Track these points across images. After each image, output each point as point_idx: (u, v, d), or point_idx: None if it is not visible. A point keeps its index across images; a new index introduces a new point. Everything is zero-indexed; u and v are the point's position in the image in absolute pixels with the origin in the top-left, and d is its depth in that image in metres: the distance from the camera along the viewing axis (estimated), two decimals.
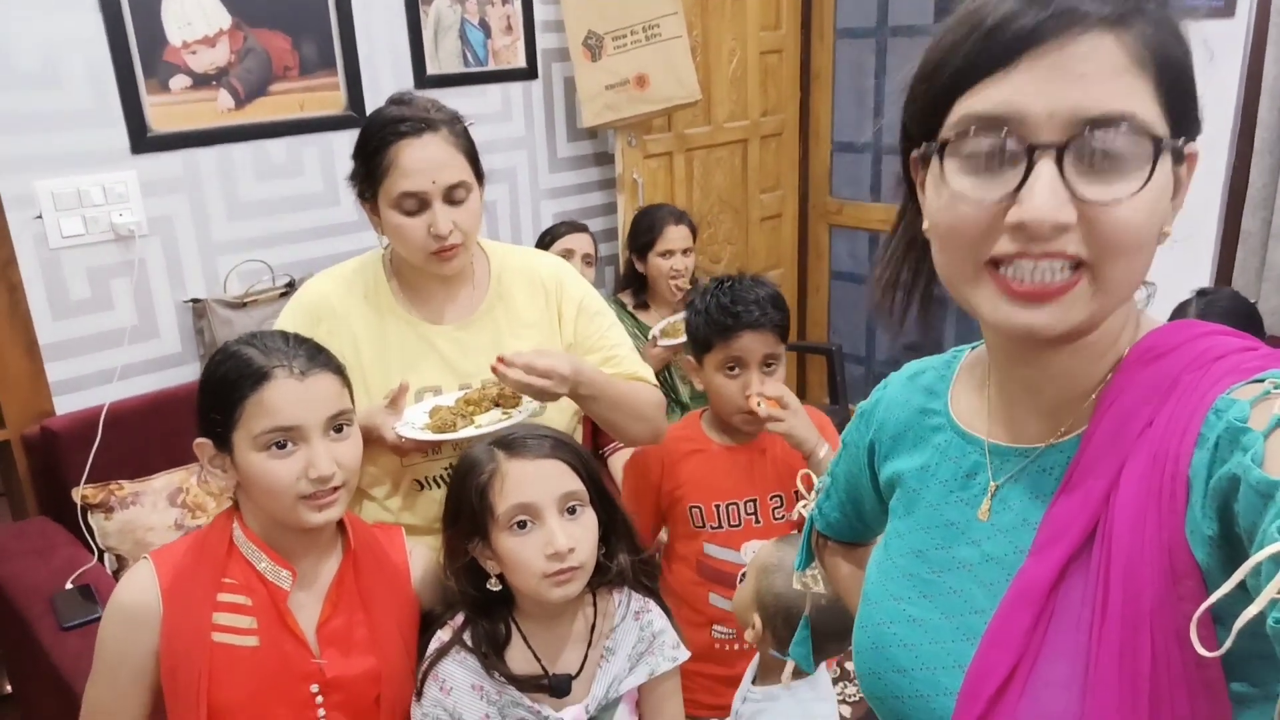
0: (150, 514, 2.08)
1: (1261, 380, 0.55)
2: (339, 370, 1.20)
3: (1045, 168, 0.57)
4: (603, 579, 1.26)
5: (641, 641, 1.26)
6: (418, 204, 1.38)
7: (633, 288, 2.80)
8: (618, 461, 2.49)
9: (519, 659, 1.22)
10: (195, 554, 1.17)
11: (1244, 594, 0.47)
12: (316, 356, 1.17)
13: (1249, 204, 2.60)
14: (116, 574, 2.04)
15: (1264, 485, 0.48)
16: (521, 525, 1.16)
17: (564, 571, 1.15)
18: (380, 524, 1.38)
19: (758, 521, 1.65)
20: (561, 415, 1.52)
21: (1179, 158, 0.60)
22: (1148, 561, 0.57)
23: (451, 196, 1.40)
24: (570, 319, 1.55)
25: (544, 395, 1.38)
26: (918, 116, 0.65)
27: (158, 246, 2.32)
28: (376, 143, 1.39)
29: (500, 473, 1.17)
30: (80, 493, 2.06)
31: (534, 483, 1.17)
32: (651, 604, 1.30)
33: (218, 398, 1.14)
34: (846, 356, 3.78)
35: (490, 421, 1.38)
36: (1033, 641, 0.62)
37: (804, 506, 1.06)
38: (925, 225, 0.66)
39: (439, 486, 1.47)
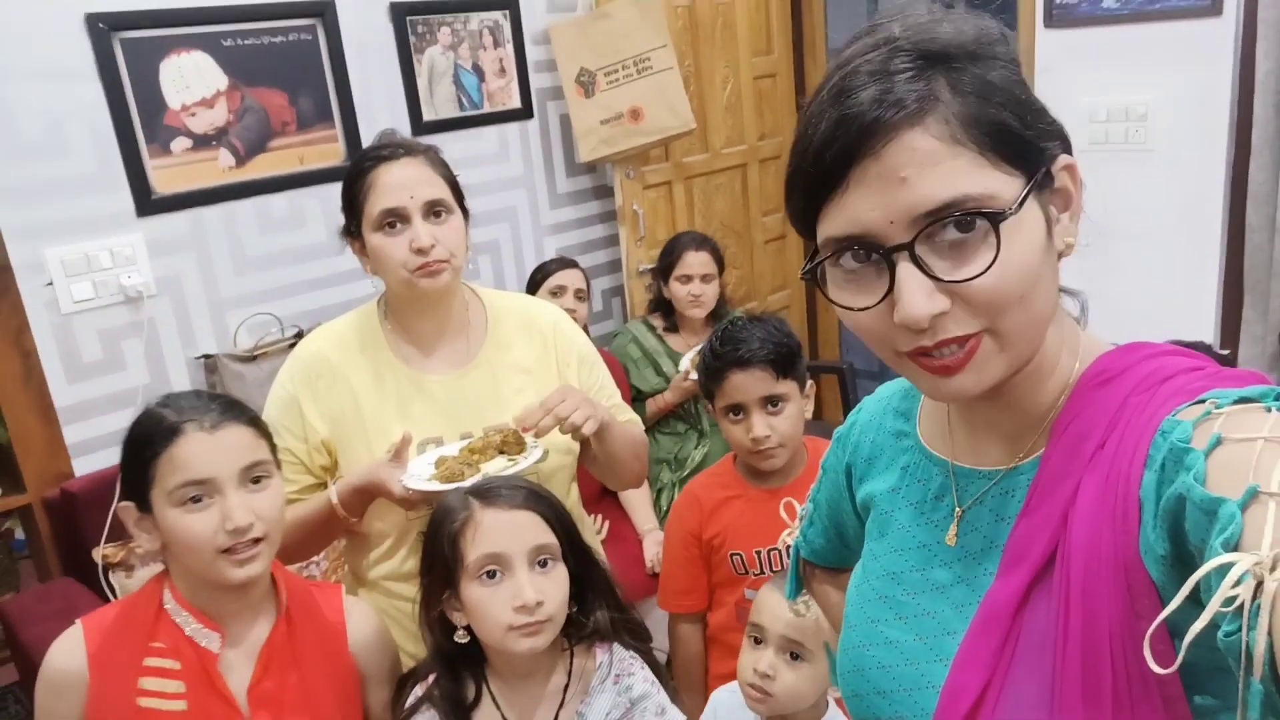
0: None
1: (1204, 401, 0.56)
2: (254, 422, 1.19)
3: (904, 269, 0.60)
4: (579, 635, 1.23)
5: (617, 708, 1.21)
6: (398, 220, 1.39)
7: (661, 311, 2.82)
8: (631, 496, 2.49)
9: (487, 719, 1.20)
10: (124, 619, 1.16)
11: (1198, 610, 0.48)
12: (229, 410, 1.17)
13: (1251, 200, 2.58)
14: None
15: (1207, 503, 0.50)
16: (490, 575, 1.15)
17: (531, 625, 1.14)
18: (318, 582, 1.37)
19: None
20: (562, 459, 1.51)
21: (1045, 184, 0.63)
22: (1105, 581, 0.58)
23: (431, 213, 1.41)
24: (572, 367, 1.56)
25: (586, 427, 1.38)
26: (797, 226, 0.68)
27: (167, 305, 2.37)
28: (355, 173, 1.43)
29: (473, 521, 1.17)
30: (100, 552, 2.08)
31: (506, 533, 1.16)
32: (638, 666, 1.25)
33: (134, 458, 1.14)
34: (859, 373, 3.77)
35: (497, 469, 1.37)
36: (1001, 662, 0.64)
37: (789, 535, 1.06)
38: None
39: None
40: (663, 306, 2.79)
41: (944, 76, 0.60)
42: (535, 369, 1.53)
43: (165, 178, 2.32)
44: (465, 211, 1.48)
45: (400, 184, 1.39)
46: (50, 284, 2.18)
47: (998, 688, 0.64)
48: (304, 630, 1.21)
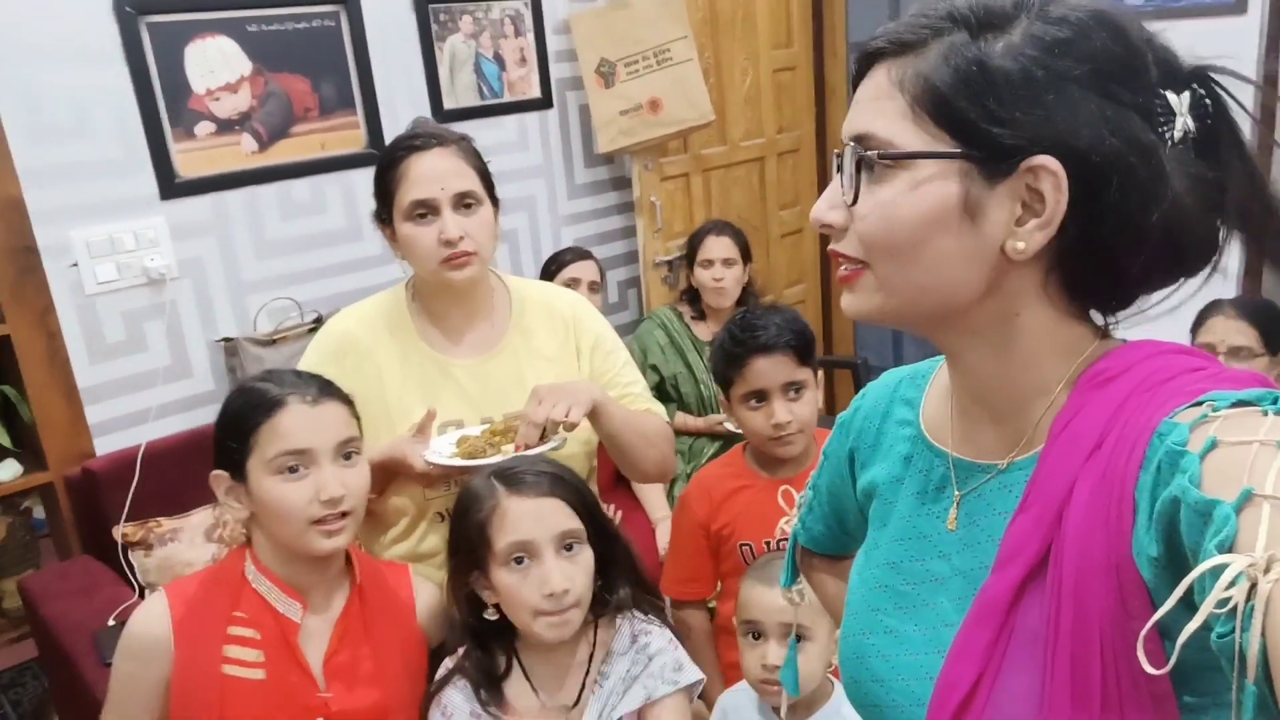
0: (188, 550, 2.13)
1: (1202, 403, 0.56)
2: (348, 402, 1.24)
3: (834, 179, 0.67)
4: (603, 610, 1.26)
5: (636, 665, 1.24)
6: (428, 212, 1.42)
7: (689, 298, 2.83)
8: (645, 487, 2.51)
9: (517, 690, 1.23)
10: (209, 587, 1.21)
11: (1189, 611, 0.48)
12: (327, 387, 1.23)
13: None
14: None
15: (1202, 505, 0.50)
16: (519, 561, 1.18)
17: (559, 613, 1.17)
18: (387, 561, 1.41)
19: None
20: (582, 448, 1.53)
21: (996, 173, 0.61)
22: (1097, 580, 0.59)
23: (461, 204, 1.43)
24: (587, 354, 1.57)
25: (571, 415, 1.38)
26: None
27: (188, 288, 2.39)
28: (388, 161, 1.45)
29: (500, 509, 1.19)
30: (120, 531, 2.11)
31: (532, 520, 1.18)
32: (654, 627, 1.28)
33: (234, 428, 1.19)
34: (873, 369, 3.77)
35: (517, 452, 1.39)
36: (994, 656, 0.65)
37: (787, 523, 1.07)
38: None
39: None
40: (691, 295, 2.80)
41: (949, 35, 0.63)
42: (557, 356, 1.55)
43: (189, 161, 2.34)
44: (495, 201, 1.50)
45: (431, 175, 1.41)
46: (75, 265, 2.20)
47: (990, 681, 0.65)
48: (376, 604, 1.25)
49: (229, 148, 2.40)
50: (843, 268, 0.68)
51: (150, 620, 1.19)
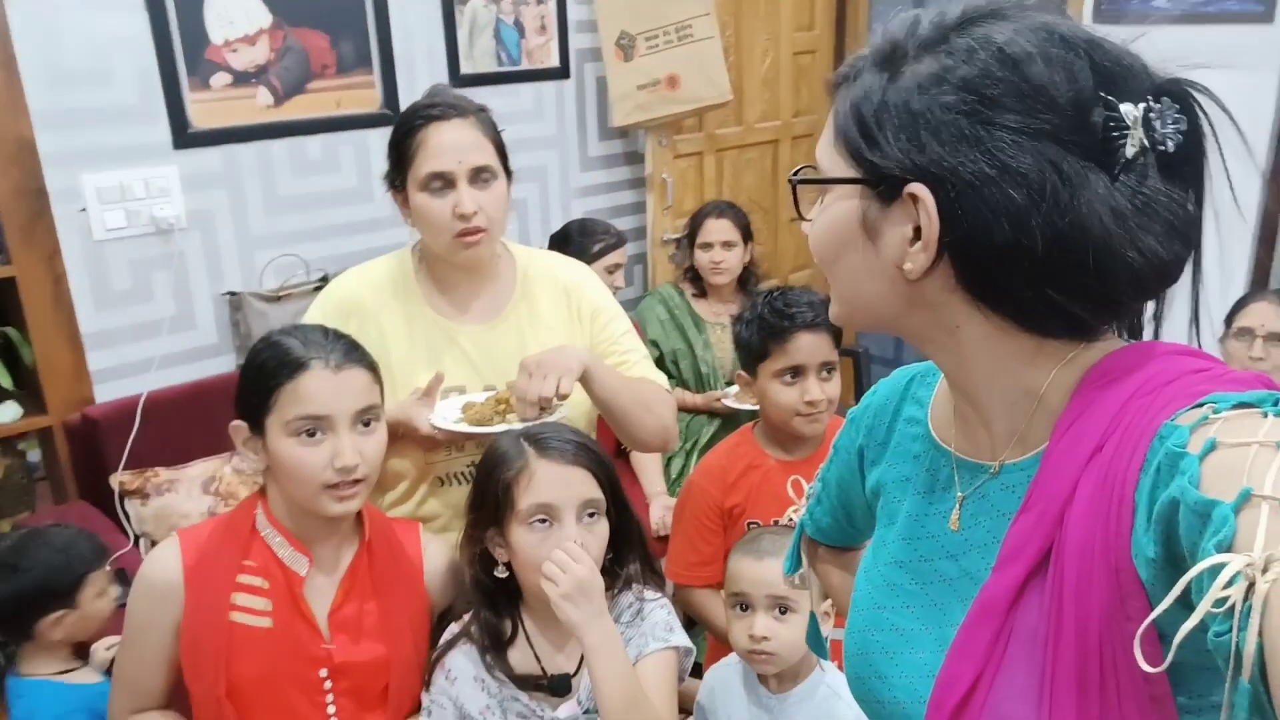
0: (185, 501, 2.13)
1: (1203, 405, 0.56)
2: (372, 367, 1.24)
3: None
4: (611, 582, 1.26)
5: (631, 628, 1.26)
6: (444, 184, 1.42)
7: (690, 276, 2.84)
8: (643, 458, 2.51)
9: (521, 656, 1.24)
10: (220, 535, 1.22)
11: (1187, 611, 0.49)
12: (352, 352, 1.22)
13: None
14: None
15: (1200, 505, 0.50)
16: (542, 522, 1.19)
17: None
18: (399, 519, 1.42)
19: None
20: (580, 413, 1.53)
21: (886, 197, 0.65)
22: (1097, 581, 0.59)
23: (477, 179, 1.43)
24: (588, 322, 1.58)
25: (562, 386, 1.37)
26: None
27: (197, 240, 2.38)
28: (406, 128, 1.44)
29: (529, 470, 1.20)
30: (118, 479, 2.12)
31: (559, 485, 1.20)
32: (655, 598, 1.30)
33: (256, 383, 1.19)
34: (874, 359, 3.77)
35: (520, 422, 1.39)
36: (993, 655, 0.65)
37: (795, 512, 1.07)
38: None
39: (460, 483, 1.50)
40: (694, 273, 2.81)
41: (866, 71, 0.67)
42: (559, 326, 1.56)
43: (203, 112, 2.32)
44: (509, 174, 1.49)
45: (449, 147, 1.41)
46: (84, 210, 2.19)
47: (989, 680, 0.65)
48: (384, 560, 1.26)
49: (244, 100, 2.39)
50: None
51: (163, 565, 1.20)
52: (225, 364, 2.45)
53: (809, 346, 1.58)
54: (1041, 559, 0.64)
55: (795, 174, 0.72)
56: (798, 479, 1.64)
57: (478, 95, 1.57)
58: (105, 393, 2.28)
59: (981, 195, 0.61)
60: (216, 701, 1.16)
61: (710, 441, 2.62)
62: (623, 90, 2.95)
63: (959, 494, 0.74)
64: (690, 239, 2.78)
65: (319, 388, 1.16)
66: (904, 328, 0.71)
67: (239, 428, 1.21)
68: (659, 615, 1.27)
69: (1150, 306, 0.69)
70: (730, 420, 2.61)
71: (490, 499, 1.22)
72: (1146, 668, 0.52)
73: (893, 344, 4.18)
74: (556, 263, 1.65)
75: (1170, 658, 0.51)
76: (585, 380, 1.42)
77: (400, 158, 1.45)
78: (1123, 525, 0.58)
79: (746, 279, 2.79)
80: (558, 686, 1.22)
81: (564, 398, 1.38)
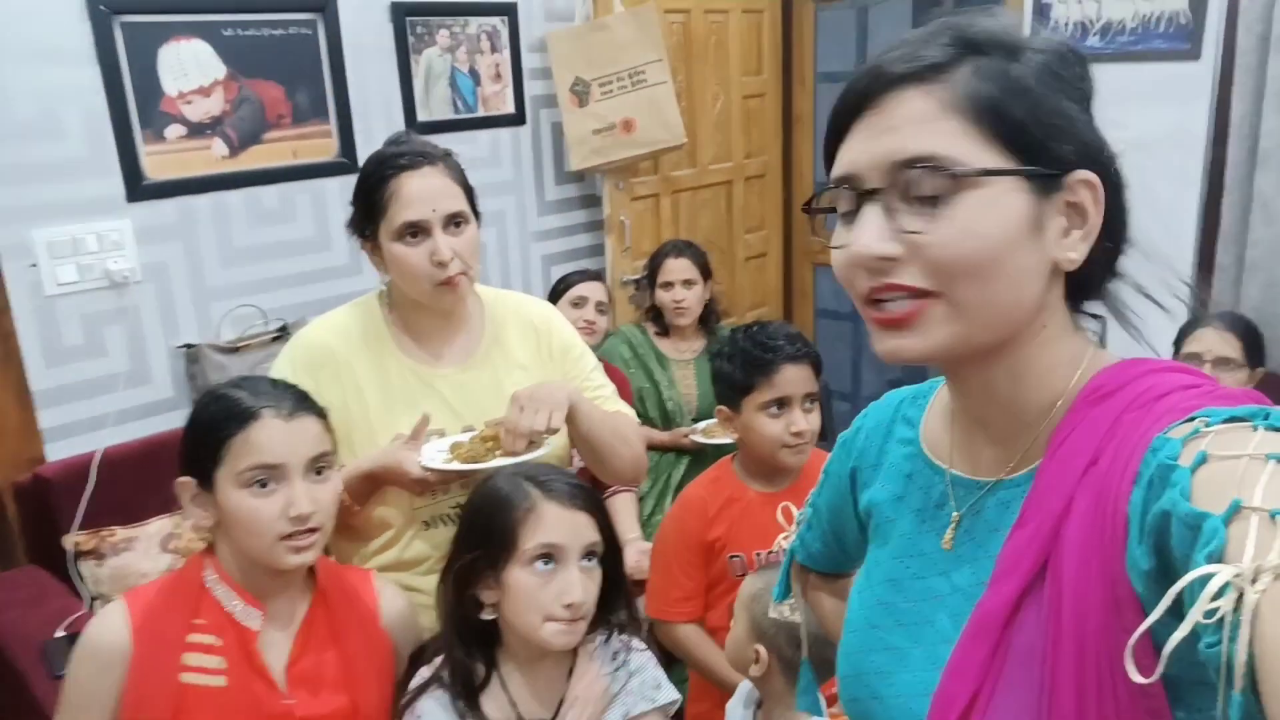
0: (143, 560, 2.07)
1: (1194, 419, 0.57)
2: (323, 415, 1.23)
3: (869, 210, 0.65)
4: (593, 629, 1.27)
5: (616, 682, 1.25)
6: (418, 233, 1.42)
7: (652, 316, 2.85)
8: (617, 503, 2.50)
9: (496, 705, 1.22)
10: (168, 594, 1.18)
11: (1179, 623, 0.49)
12: (303, 401, 1.21)
13: (1221, 239, 2.66)
14: None
15: (1191, 518, 0.51)
16: (546, 562, 1.18)
17: (571, 621, 1.17)
18: (349, 566, 1.39)
19: None
20: (553, 457, 1.52)
21: (1049, 188, 0.64)
22: (1094, 596, 0.60)
23: (450, 224, 1.44)
24: (559, 359, 1.60)
25: (553, 421, 1.39)
26: (827, 170, 0.72)
27: (151, 293, 2.34)
28: (376, 179, 1.43)
29: (537, 511, 1.19)
30: (72, 539, 2.05)
31: (566, 527, 1.19)
32: (633, 644, 1.29)
33: (205, 436, 1.17)
34: (834, 394, 3.82)
35: (509, 459, 1.39)
36: (990, 672, 0.65)
37: (785, 539, 1.08)
38: None
39: (446, 524, 1.49)
40: (656, 313, 2.83)
41: (972, 59, 0.64)
42: (531, 364, 1.57)
43: (158, 164, 2.30)
44: (478, 215, 1.51)
45: (422, 196, 1.41)
46: (35, 265, 2.14)
47: (986, 697, 0.65)
48: (340, 609, 1.24)
49: (199, 152, 2.37)
50: (897, 306, 0.65)
51: (109, 628, 1.16)
52: (182, 418, 2.35)
53: (794, 378, 1.60)
54: (1037, 573, 0.64)
55: (918, 164, 0.63)
56: (788, 505, 1.64)
57: (435, 142, 1.58)
58: (57, 451, 2.21)
59: (1119, 179, 0.67)
60: None
61: (681, 479, 2.61)
62: (579, 135, 2.98)
63: (955, 513, 0.74)
64: (651, 279, 2.80)
65: (271, 436, 1.15)
66: (1011, 339, 0.67)
67: (185, 484, 1.19)
68: (645, 673, 1.26)
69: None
70: (699, 456, 2.62)
71: (493, 539, 1.20)
72: (1138, 678, 0.52)
73: (850, 379, 4.23)
74: (523, 302, 1.66)
75: (1161, 668, 0.51)
76: (570, 415, 1.44)
77: (371, 208, 1.45)
78: (1117, 538, 0.58)
79: (708, 316, 2.82)
80: None
81: (553, 432, 1.39)
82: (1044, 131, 0.64)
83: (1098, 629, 0.59)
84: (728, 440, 2.49)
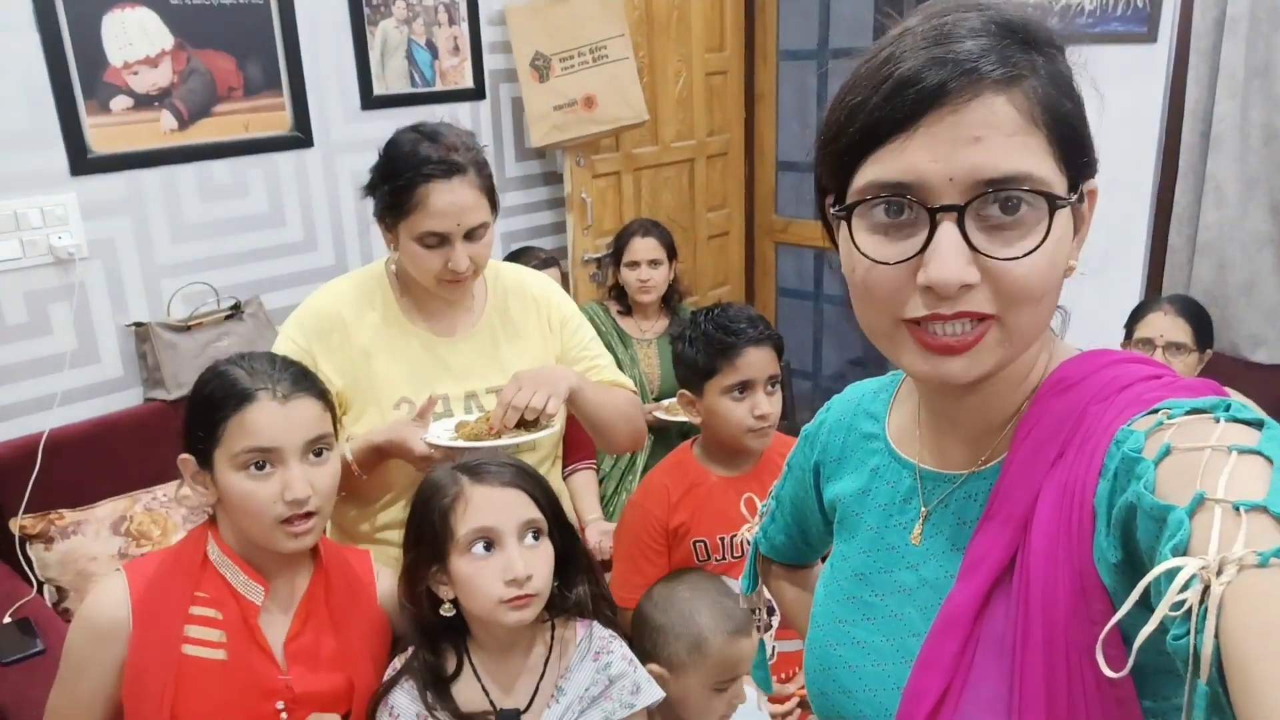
0: (93, 543, 2.03)
1: (1157, 411, 0.58)
2: (322, 395, 1.21)
3: (947, 230, 0.59)
4: (560, 609, 1.26)
5: (595, 685, 1.23)
6: (439, 241, 1.45)
7: (615, 294, 2.85)
8: (577, 481, 2.50)
9: (469, 692, 1.21)
10: (169, 566, 1.17)
11: (1148, 615, 0.50)
12: (301, 381, 1.19)
13: (1174, 221, 2.71)
14: (57, 606, 1.98)
15: (1156, 510, 0.51)
16: (486, 548, 1.17)
17: (521, 598, 1.16)
18: (349, 547, 1.39)
19: None
20: (547, 439, 1.57)
21: (1079, 198, 0.63)
22: (1062, 587, 0.60)
23: (471, 235, 1.47)
24: (558, 330, 1.65)
25: (550, 405, 1.43)
26: (828, 173, 0.66)
27: (99, 269, 2.28)
28: (406, 181, 1.44)
29: (464, 497, 1.18)
30: (18, 523, 2.00)
31: (497, 508, 1.18)
32: (615, 645, 1.28)
33: (202, 415, 1.15)
34: (794, 372, 3.84)
35: (515, 437, 1.42)
36: (961, 665, 0.65)
37: (749, 530, 1.08)
38: (844, 270, 0.68)
39: None
40: (618, 292, 2.82)
41: (1038, 57, 0.60)
42: (531, 334, 1.63)
43: (103, 137, 2.23)
44: (496, 208, 1.52)
45: (448, 210, 1.43)
46: None
47: (958, 690, 0.65)
48: (339, 588, 1.24)
49: (147, 124, 2.30)
50: (956, 331, 0.61)
51: (109, 600, 1.14)
52: (132, 398, 2.35)
53: (757, 361, 1.60)
54: (1006, 567, 0.64)
55: (1010, 184, 0.58)
56: (751, 497, 1.64)
57: (392, 116, 1.58)
58: (1, 432, 2.15)
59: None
60: None
61: (647, 464, 2.61)
62: (539, 111, 2.94)
63: (923, 508, 0.74)
64: (616, 257, 2.79)
65: (267, 419, 1.13)
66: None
67: (186, 461, 1.18)
68: (625, 679, 1.24)
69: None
70: (662, 434, 2.62)
71: (428, 533, 1.19)
72: (1109, 672, 0.53)
73: (812, 357, 4.25)
74: (524, 274, 1.71)
75: (1132, 661, 0.51)
76: (573, 399, 1.49)
77: (396, 205, 1.45)
78: (1084, 530, 0.59)
79: (670, 296, 2.81)
80: None
81: (550, 417, 1.42)
82: (1087, 145, 0.62)
83: (1066, 620, 0.59)
84: (691, 419, 2.51)
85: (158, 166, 2.33)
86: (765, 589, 1.06)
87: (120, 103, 2.25)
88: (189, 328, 2.36)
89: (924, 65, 0.58)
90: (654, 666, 1.37)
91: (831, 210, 0.66)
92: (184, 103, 2.35)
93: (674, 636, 1.38)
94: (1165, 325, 2.13)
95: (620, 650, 1.27)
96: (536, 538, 1.20)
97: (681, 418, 2.46)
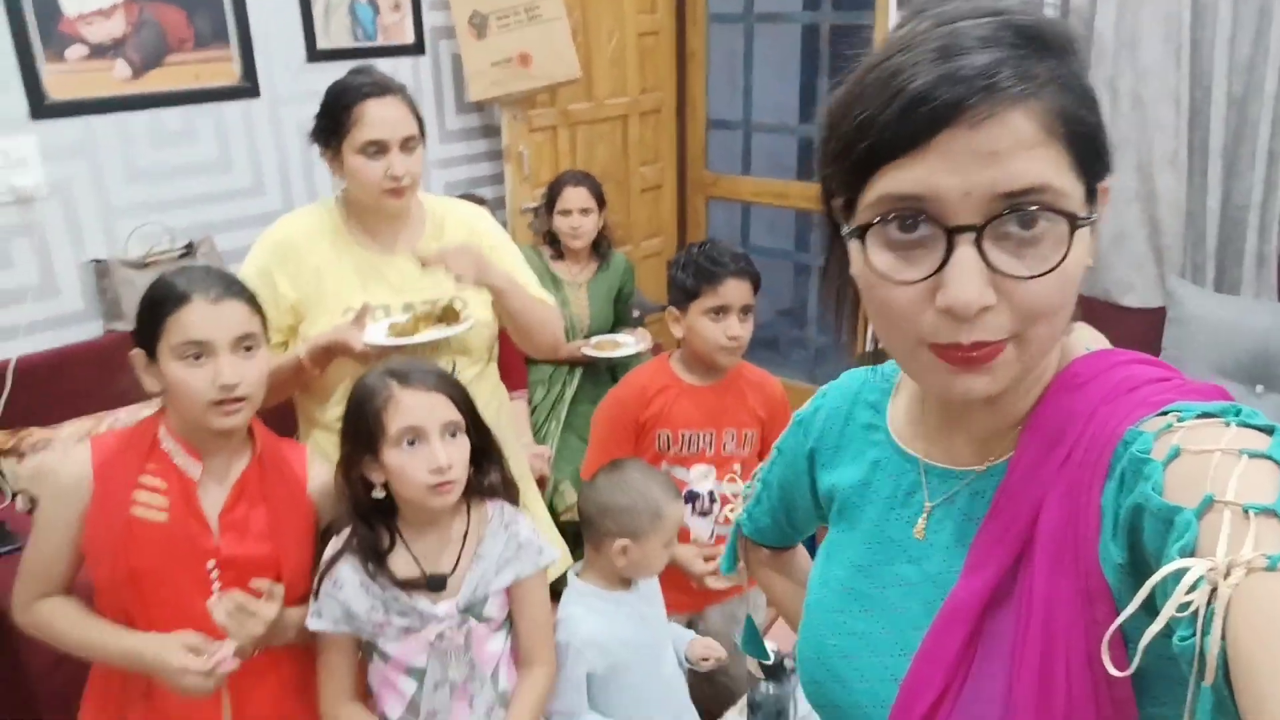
0: (61, 458, 2.21)
1: (1167, 413, 0.58)
2: (251, 300, 1.41)
3: (965, 251, 0.57)
4: (475, 492, 1.49)
5: (508, 549, 1.48)
6: (378, 150, 1.70)
7: (549, 240, 3.05)
8: (519, 405, 2.73)
9: (403, 563, 1.44)
10: (125, 443, 1.39)
11: (1152, 617, 0.49)
12: (231, 286, 1.39)
13: None
14: (30, 513, 2.17)
15: (1164, 511, 0.51)
16: (411, 443, 1.39)
17: (444, 484, 1.39)
18: (287, 439, 1.59)
19: (709, 451, 1.95)
20: (485, 331, 1.85)
21: (1095, 206, 0.61)
22: (1065, 588, 0.60)
23: (405, 146, 1.72)
24: (489, 254, 1.87)
25: (466, 271, 1.71)
26: (835, 180, 0.64)
27: (58, 209, 2.43)
28: (346, 101, 1.70)
29: (394, 399, 1.40)
30: None
31: (422, 409, 1.39)
32: (521, 519, 1.53)
33: (148, 315, 1.36)
34: None
35: (436, 334, 1.71)
36: (963, 662, 0.65)
37: (731, 511, 1.23)
38: (853, 271, 0.66)
39: None
40: (552, 238, 3.02)
41: (1053, 62, 0.58)
42: None
43: (60, 83, 2.38)
44: (424, 136, 1.79)
45: (384, 121, 1.70)
46: None
47: (958, 686, 0.65)
48: (273, 473, 1.45)
49: (101, 73, 2.45)
50: (979, 349, 0.59)
51: (75, 463, 1.37)
52: (93, 330, 2.52)
53: (735, 290, 1.85)
54: (1012, 564, 0.64)
55: (1028, 196, 0.56)
56: (733, 476, 1.93)
57: (334, 69, 1.79)
58: None
59: None
60: (115, 587, 1.34)
61: (576, 395, 2.86)
62: (478, 67, 3.12)
63: (927, 503, 0.73)
64: (549, 206, 2.99)
65: (199, 317, 1.33)
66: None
67: (138, 355, 1.38)
68: (531, 544, 1.50)
69: None
70: (590, 369, 2.86)
71: (364, 429, 1.41)
72: (1114, 671, 0.52)
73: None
74: (456, 204, 1.97)
75: (1136, 662, 0.51)
76: (501, 294, 1.78)
77: (337, 125, 1.71)
78: (1090, 530, 0.59)
79: (600, 243, 3.02)
80: (435, 584, 1.42)
81: (477, 284, 1.73)
82: (1103, 145, 0.60)
83: (1068, 620, 0.59)
84: (617, 354, 2.76)
85: (112, 113, 2.49)
86: (751, 575, 1.09)
87: (76, 51, 2.39)
88: (146, 265, 2.53)
89: (936, 82, 0.56)
90: (621, 540, 1.62)
91: (846, 229, 0.64)
92: (137, 53, 2.50)
93: (637, 512, 1.62)
94: None
95: (525, 522, 1.53)
96: (455, 434, 1.42)
97: (608, 354, 2.73)
